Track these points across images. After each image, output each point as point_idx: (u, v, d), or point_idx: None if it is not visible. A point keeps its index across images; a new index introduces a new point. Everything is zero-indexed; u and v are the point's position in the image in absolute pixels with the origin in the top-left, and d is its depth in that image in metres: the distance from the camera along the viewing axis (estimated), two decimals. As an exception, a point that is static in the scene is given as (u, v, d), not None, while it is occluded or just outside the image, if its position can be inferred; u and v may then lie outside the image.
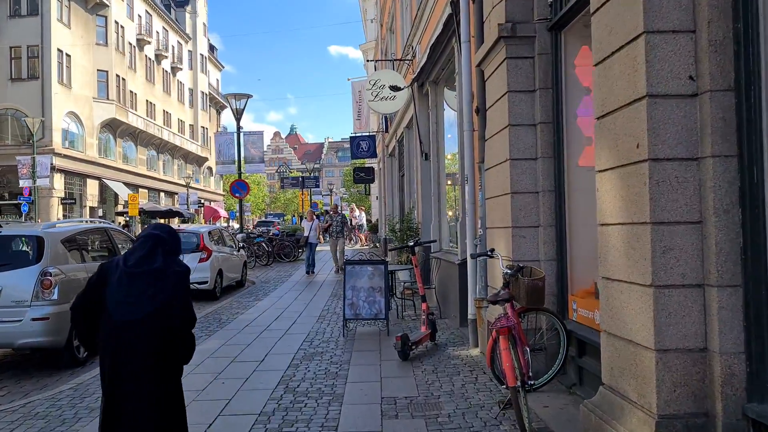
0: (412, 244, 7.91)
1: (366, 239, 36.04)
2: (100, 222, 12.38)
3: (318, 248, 19.36)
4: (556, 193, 5.84)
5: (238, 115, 19.25)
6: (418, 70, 11.65)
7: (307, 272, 17.52)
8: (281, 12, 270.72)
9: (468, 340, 7.77)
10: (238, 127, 19.42)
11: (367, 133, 23.37)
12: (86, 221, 13.28)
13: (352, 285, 8.74)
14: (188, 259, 13.04)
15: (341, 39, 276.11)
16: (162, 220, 43.40)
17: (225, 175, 73.72)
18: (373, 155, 23.18)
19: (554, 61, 5.82)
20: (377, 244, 29.15)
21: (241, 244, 16.81)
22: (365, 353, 7.58)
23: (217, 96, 71.12)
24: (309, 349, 7.86)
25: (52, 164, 37.19)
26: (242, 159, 20.03)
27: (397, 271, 10.65)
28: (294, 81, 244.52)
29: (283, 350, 7.85)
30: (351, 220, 34.56)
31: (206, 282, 13.23)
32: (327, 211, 18.90)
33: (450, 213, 11.52)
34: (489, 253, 5.57)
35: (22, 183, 30.60)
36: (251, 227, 36.63)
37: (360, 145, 22.07)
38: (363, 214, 40.01)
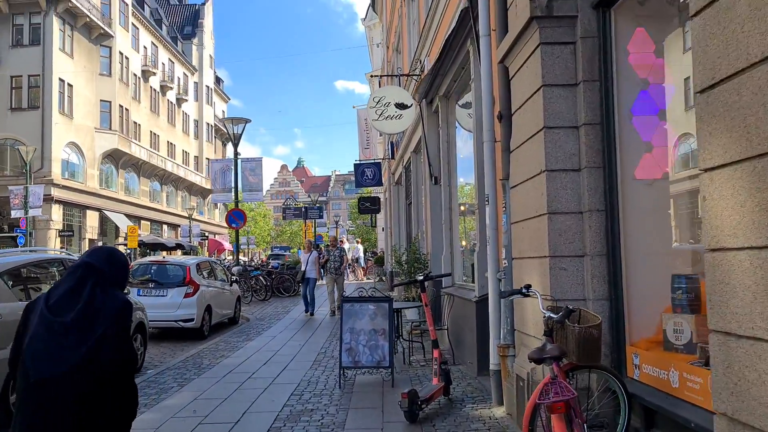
0: (421, 278, 6.59)
1: (365, 273, 34.50)
2: (57, 252, 11.15)
3: (319, 283, 17.70)
4: (606, 213, 4.56)
5: (235, 140, 18.15)
6: (427, 82, 10.49)
7: (306, 311, 15.42)
8: (288, 47, 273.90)
9: (489, 395, 6.42)
10: (236, 153, 18.31)
11: (372, 160, 22.26)
12: (37, 251, 12.03)
13: (351, 327, 7.42)
14: (173, 294, 11.83)
15: (347, 74, 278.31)
16: (164, 253, 42.24)
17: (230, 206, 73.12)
18: (379, 183, 21.98)
19: (602, 46, 4.60)
20: (383, 278, 27.78)
21: (234, 278, 15.51)
22: (365, 411, 6.23)
23: (223, 128, 70.50)
24: (297, 405, 6.51)
25: (50, 195, 36.28)
26: (240, 187, 18.85)
27: (403, 310, 9.32)
28: (301, 115, 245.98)
29: (266, 406, 6.50)
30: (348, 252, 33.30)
31: (192, 319, 11.93)
32: (327, 245, 17.19)
33: (464, 243, 10.23)
34: (524, 290, 4.27)
35: (13, 213, 29.51)
36: (264, 259, 35.15)
37: (365, 173, 20.89)
38: (360, 246, 38.62)
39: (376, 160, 22.43)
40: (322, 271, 15.81)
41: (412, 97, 11.88)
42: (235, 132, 18.17)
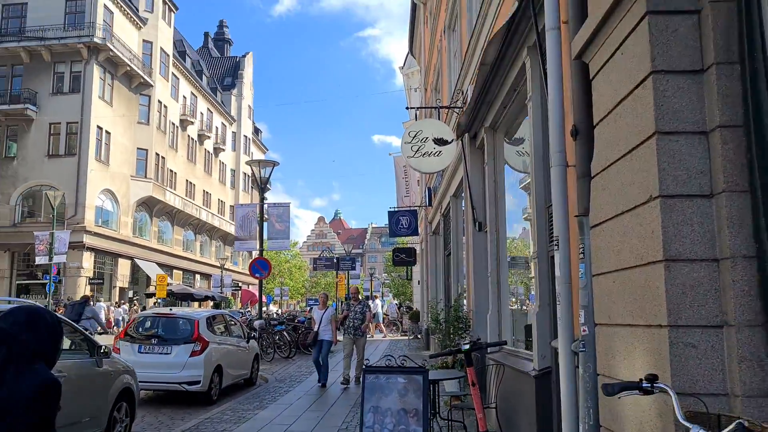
0: (467, 347, 4.96)
1: (382, 329, 32.33)
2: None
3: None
4: (760, 260, 2.97)
5: (261, 184, 16.97)
6: (470, 112, 9.07)
7: (320, 382, 12.48)
8: (326, 102, 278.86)
9: None
10: (261, 198, 17.12)
11: (408, 208, 20.84)
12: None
13: (375, 405, 5.83)
14: (178, 352, 10.38)
15: (384, 128, 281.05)
16: (196, 304, 41.14)
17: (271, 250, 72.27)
18: (415, 233, 20.51)
19: (745, 10, 3.09)
20: (418, 335, 25.95)
21: (253, 334, 14.01)
22: None
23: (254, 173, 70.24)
24: None
25: (82, 242, 35.75)
26: (265, 235, 17.56)
27: (441, 381, 7.65)
28: (339, 168, 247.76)
29: None
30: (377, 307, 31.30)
31: (198, 382, 10.42)
32: (355, 297, 13.81)
33: (514, 300, 8.59)
34: (644, 384, 2.65)
35: (38, 260, 28.78)
36: (282, 311, 33.48)
37: (400, 222, 19.46)
38: (378, 301, 36.49)
39: (412, 208, 21.00)
40: (340, 329, 13.56)
41: (453, 131, 10.47)
42: (263, 176, 17.00)
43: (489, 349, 8.33)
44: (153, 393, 11.43)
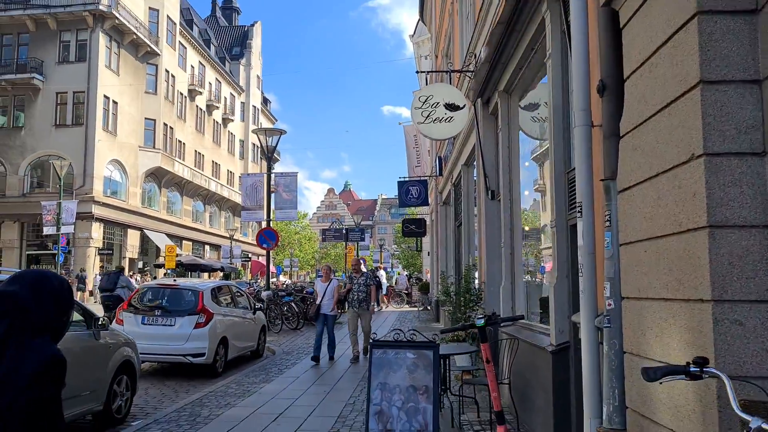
0: (482, 322, 4.58)
1: (389, 301, 31.87)
2: None
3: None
4: (821, 228, 2.60)
5: (268, 152, 16.60)
6: (484, 75, 8.62)
7: (314, 358, 11.60)
8: (335, 73, 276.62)
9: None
10: (269, 167, 16.76)
11: (418, 178, 20.43)
12: None
13: (382, 382, 5.53)
14: (182, 324, 10.15)
15: (394, 99, 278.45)
16: (205, 275, 41.12)
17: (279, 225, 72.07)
18: (425, 203, 20.13)
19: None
20: (428, 307, 25.74)
21: (258, 305, 13.77)
22: None
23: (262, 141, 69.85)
24: (302, 497, 4.64)
25: (91, 212, 35.66)
26: (272, 204, 17.25)
27: (452, 356, 7.35)
28: (348, 140, 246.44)
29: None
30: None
31: (203, 354, 10.20)
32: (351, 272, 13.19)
33: (529, 271, 8.25)
34: (692, 368, 2.28)
35: (45, 230, 28.68)
36: (279, 284, 32.93)
37: (410, 192, 19.07)
38: (382, 272, 34.76)
39: (422, 178, 20.59)
40: (344, 304, 13.11)
41: (465, 96, 10.03)
42: (270, 144, 16.63)
43: (502, 327, 8.03)
44: (157, 365, 11.25)
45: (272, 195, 17.13)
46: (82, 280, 33.17)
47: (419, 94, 10.16)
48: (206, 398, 8.31)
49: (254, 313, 12.86)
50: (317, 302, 12.09)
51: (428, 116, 9.93)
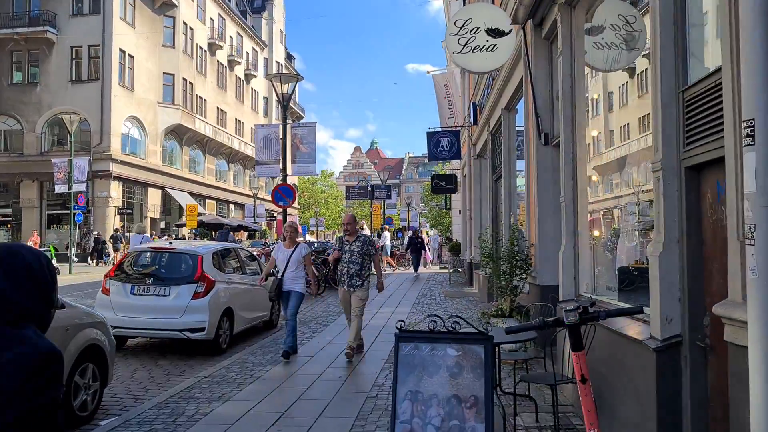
0: (574, 318, 2.78)
1: (395, 263, 30.06)
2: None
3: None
4: None
5: (284, 100, 14.89)
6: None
7: (284, 355, 8.31)
8: (359, 31, 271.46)
9: None
10: (284, 117, 15.07)
11: (450, 128, 18.61)
12: None
13: (413, 390, 3.94)
14: (178, 294, 8.74)
15: (419, 57, 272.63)
16: (236, 235, 40.02)
17: (302, 180, 70.70)
18: (457, 156, 18.34)
19: None
20: (459, 269, 24.14)
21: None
22: None
23: (293, 106, 68.31)
24: None
25: (109, 171, 34.58)
26: (288, 158, 15.63)
27: (503, 344, 5.70)
28: (373, 99, 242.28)
29: None
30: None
31: (202, 329, 8.75)
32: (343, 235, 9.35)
33: (597, 233, 6.54)
34: None
35: (57, 189, 27.56)
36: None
37: (440, 144, 17.28)
38: (387, 233, 31.74)
39: (454, 129, 18.76)
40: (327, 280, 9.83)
41: (511, 18, 8.18)
42: (285, 92, 14.91)
43: (563, 303, 6.36)
44: (152, 341, 9.86)
45: (288, 147, 15.50)
46: (117, 239, 32.32)
47: (456, 17, 8.36)
48: (198, 387, 6.85)
49: (266, 279, 11.36)
50: (279, 276, 8.71)
51: (466, 44, 8.16)
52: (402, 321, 4.08)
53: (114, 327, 8.63)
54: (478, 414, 3.84)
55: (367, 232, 29.81)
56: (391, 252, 29.96)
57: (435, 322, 4.00)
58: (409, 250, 26.86)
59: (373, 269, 9.06)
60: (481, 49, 8.16)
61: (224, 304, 9.29)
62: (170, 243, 10.54)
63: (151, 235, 35.11)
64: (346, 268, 8.59)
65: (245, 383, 7.01)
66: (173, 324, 8.67)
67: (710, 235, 3.67)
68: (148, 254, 9.82)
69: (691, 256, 3.80)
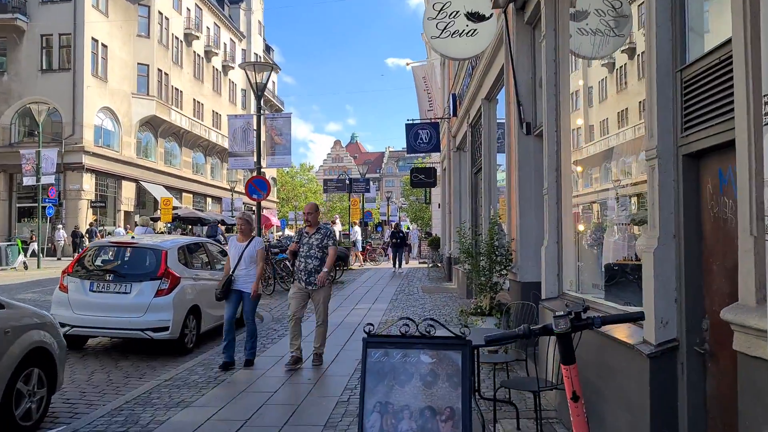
0: (565, 327, 2.35)
1: (364, 258, 29.46)
2: None
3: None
4: None
5: (258, 90, 14.40)
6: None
7: (225, 365, 7.39)
8: (339, 26, 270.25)
9: None
10: (259, 108, 14.59)
11: (429, 120, 18.22)
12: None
13: (383, 401, 3.55)
14: (140, 291, 8.27)
15: (398, 51, 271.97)
16: (206, 229, 39.23)
17: (281, 173, 69.94)
18: (436, 149, 17.96)
19: None
20: (439, 264, 23.82)
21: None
22: None
23: (272, 99, 67.61)
24: None
25: (81, 163, 33.71)
26: (263, 150, 15.14)
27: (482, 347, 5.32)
28: (353, 92, 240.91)
29: None
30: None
31: (166, 328, 8.28)
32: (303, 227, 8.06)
33: (581, 227, 6.19)
34: None
35: (25, 181, 26.73)
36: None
37: (419, 136, 16.89)
38: (357, 228, 30.89)
39: (434, 121, 18.37)
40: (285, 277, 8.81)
41: (492, 1, 7.79)
42: (258, 81, 14.41)
43: (545, 302, 6.02)
44: (114, 341, 9.35)
45: (262, 138, 14.99)
46: (93, 234, 31.51)
47: (434, 0, 7.93)
48: (157, 391, 6.40)
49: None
50: (229, 273, 7.67)
51: (445, 29, 7.78)
52: (371, 324, 3.68)
53: (72, 326, 8.22)
54: (454, 427, 3.45)
55: (339, 227, 29.40)
56: (363, 247, 29.53)
57: (407, 325, 3.60)
58: (389, 245, 26.49)
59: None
60: (460, 34, 7.79)
61: (190, 302, 8.82)
62: (133, 237, 9.99)
63: (126, 229, 34.34)
64: (303, 263, 7.59)
65: (208, 387, 6.57)
66: (135, 323, 8.19)
67: (711, 230, 3.32)
68: (110, 249, 9.30)
69: (688, 252, 3.44)
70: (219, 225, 33.54)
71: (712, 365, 3.31)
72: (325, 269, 7.57)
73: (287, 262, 15.90)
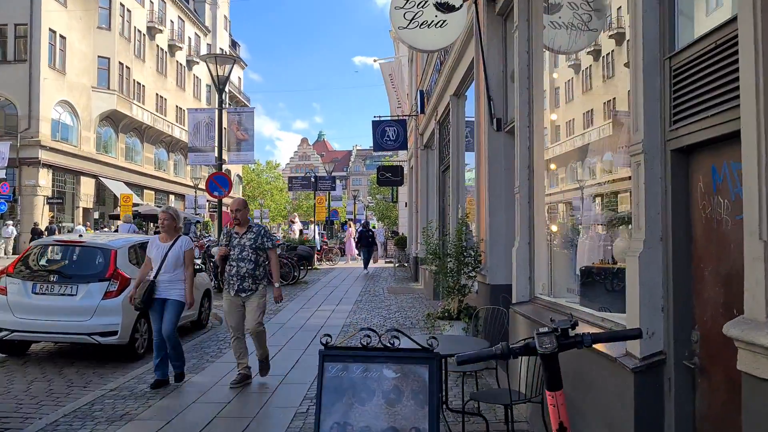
0: (550, 347, 1.92)
1: (319, 258, 28.04)
2: None
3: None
4: None
5: (219, 84, 13.87)
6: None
7: (156, 383, 6.52)
8: (306, 24, 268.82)
9: None
10: (220, 101, 14.06)
11: (396, 117, 17.88)
12: None
13: (341, 421, 3.18)
14: (87, 293, 7.74)
15: (366, 50, 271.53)
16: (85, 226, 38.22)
17: (247, 171, 68.84)
18: (403, 146, 17.64)
19: None
20: (405, 264, 23.52)
21: (198, 266, 11.29)
22: None
23: (238, 95, 66.64)
24: None
25: (37, 158, 32.56)
26: (224, 145, 14.61)
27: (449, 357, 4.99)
28: (320, 90, 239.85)
29: None
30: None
31: (114, 332, 7.76)
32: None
33: (555, 228, 5.91)
34: None
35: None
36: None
37: (386, 133, 16.55)
38: (314, 227, 30.11)
39: (401, 118, 18.03)
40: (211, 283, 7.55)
41: (464, -8, 7.48)
42: (220, 73, 13.88)
43: (517, 296, 5.73)
44: (64, 346, 8.78)
45: (224, 133, 14.47)
46: (53, 231, 30.39)
47: (402, -12, 7.58)
48: (100, 402, 5.92)
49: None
50: (152, 275, 6.68)
51: (413, 19, 7.43)
52: (328, 336, 3.30)
53: (12, 331, 7.68)
54: (420, 451, 3.10)
55: (298, 226, 28.86)
56: (320, 246, 29.03)
57: (369, 336, 3.23)
58: (358, 245, 26.02)
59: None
60: (429, 25, 7.45)
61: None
62: (80, 236, 9.41)
63: (86, 227, 33.27)
64: (235, 268, 6.60)
65: (156, 397, 6.11)
66: (81, 327, 7.66)
67: (702, 232, 3.02)
68: (55, 248, 8.73)
69: (677, 257, 3.15)
70: (192, 223, 32.80)
71: (703, 381, 3.01)
72: (276, 284, 6.80)
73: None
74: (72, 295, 7.79)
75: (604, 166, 5.19)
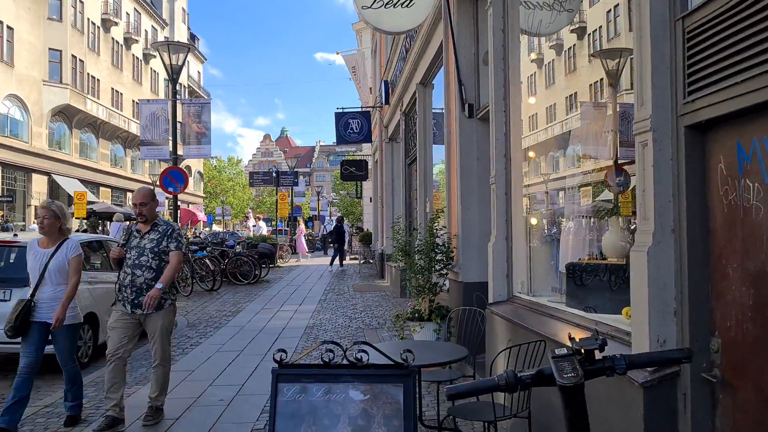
0: (574, 377, 1.49)
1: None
2: None
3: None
4: None
5: (173, 73, 13.15)
6: None
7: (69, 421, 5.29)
8: (267, 19, 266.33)
9: None
10: (174, 93, 13.34)
11: (359, 109, 17.34)
12: None
13: (298, 455, 2.63)
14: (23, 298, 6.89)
15: (327, 46, 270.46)
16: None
17: (208, 167, 67.41)
18: (367, 139, 17.09)
19: None
20: (371, 261, 23.01)
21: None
22: None
23: (198, 90, 65.22)
24: None
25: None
26: (180, 138, 13.88)
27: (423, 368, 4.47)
28: (282, 86, 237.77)
29: None
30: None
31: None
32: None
33: (534, 221, 5.45)
34: None
35: None
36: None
37: (349, 125, 15.97)
38: (262, 223, 29.63)
39: (364, 110, 17.50)
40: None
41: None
42: (173, 62, 13.16)
43: (493, 296, 5.26)
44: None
45: (177, 126, 13.73)
46: (6, 230, 28.96)
47: (365, -34, 7.05)
48: (31, 421, 5.29)
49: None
50: (29, 292, 5.36)
51: (378, -2, 6.88)
52: (283, 351, 2.76)
53: (-63, 340, 6.89)
54: (394, 490, 2.59)
55: (252, 222, 28.11)
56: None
57: (332, 351, 2.71)
58: (330, 242, 25.37)
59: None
60: (395, 5, 6.93)
61: (85, 309, 7.61)
62: (15, 236, 8.64)
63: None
64: (130, 276, 5.17)
65: (96, 414, 5.48)
66: (15, 336, 6.92)
67: (723, 223, 2.57)
68: (-13, 249, 7.96)
69: (692, 252, 2.69)
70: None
71: (726, 397, 2.57)
72: (158, 285, 5.11)
73: (207, 260, 14.74)
74: (5, 300, 7.07)
75: (588, 153, 4.76)
